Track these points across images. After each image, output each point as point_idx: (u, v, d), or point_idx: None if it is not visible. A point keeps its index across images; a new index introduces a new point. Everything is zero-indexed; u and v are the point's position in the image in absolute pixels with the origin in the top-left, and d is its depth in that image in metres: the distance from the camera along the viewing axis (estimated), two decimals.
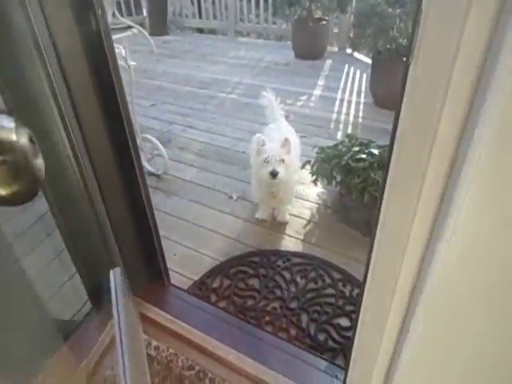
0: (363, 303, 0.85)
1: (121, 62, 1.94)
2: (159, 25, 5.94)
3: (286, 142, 1.76)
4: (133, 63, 1.99)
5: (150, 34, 5.27)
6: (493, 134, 0.44)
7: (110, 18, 4.32)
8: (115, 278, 1.08)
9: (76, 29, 0.98)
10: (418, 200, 0.59)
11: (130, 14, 6.18)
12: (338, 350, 1.42)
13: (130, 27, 4.63)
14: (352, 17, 4.05)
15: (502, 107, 0.42)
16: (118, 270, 1.12)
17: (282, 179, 1.76)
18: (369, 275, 0.79)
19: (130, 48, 2.03)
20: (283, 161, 1.76)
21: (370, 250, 0.77)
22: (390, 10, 2.71)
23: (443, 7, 0.45)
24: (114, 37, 1.88)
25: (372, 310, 0.83)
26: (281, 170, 1.74)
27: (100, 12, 0.98)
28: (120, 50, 1.91)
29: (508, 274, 0.54)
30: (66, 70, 0.99)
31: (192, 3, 6.20)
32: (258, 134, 1.82)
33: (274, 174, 1.73)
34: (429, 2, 0.46)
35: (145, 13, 6.10)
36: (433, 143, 0.53)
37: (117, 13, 4.65)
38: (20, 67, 0.89)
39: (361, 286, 0.87)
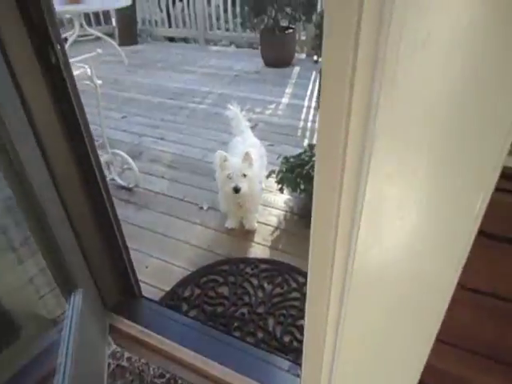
0: (307, 296, 0.94)
1: (86, 82, 1.99)
2: (129, 34, 5.95)
3: (247, 157, 1.86)
4: (99, 82, 2.04)
5: (120, 44, 5.35)
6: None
7: (77, 30, 4.30)
8: (74, 301, 1.14)
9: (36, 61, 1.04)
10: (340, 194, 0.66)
11: (98, 24, 6.18)
12: (301, 350, 1.52)
13: (98, 38, 4.60)
14: (316, 27, 4.18)
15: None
16: (79, 292, 1.18)
17: (245, 193, 1.87)
18: (309, 269, 0.87)
19: (98, 59, 2.06)
20: (245, 175, 1.86)
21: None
22: None
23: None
24: (79, 58, 1.95)
25: (315, 303, 0.91)
26: (243, 185, 1.86)
27: (58, 47, 1.04)
28: (86, 69, 1.96)
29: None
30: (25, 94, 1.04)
31: (161, 10, 6.24)
32: (219, 151, 1.93)
33: (236, 190, 1.85)
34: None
35: (114, 22, 6.10)
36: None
37: (85, 24, 4.63)
38: None
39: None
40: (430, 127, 0.48)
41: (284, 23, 4.62)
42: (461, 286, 0.60)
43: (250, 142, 2.23)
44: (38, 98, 1.07)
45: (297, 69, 4.63)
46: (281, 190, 2.18)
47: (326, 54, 0.54)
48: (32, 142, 1.10)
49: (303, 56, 5.07)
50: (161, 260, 1.98)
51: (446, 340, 0.70)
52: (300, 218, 2.23)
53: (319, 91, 0.62)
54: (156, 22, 6.31)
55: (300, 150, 2.26)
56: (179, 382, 1.35)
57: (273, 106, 3.68)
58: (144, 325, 1.51)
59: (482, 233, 0.52)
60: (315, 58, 4.76)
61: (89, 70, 1.97)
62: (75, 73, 1.46)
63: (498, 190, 0.48)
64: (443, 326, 0.65)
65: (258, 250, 2.04)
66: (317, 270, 0.82)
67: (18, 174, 1.08)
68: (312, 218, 0.77)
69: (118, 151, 2.45)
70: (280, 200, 2.36)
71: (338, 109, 0.58)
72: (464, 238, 0.50)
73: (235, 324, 1.64)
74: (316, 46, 3.90)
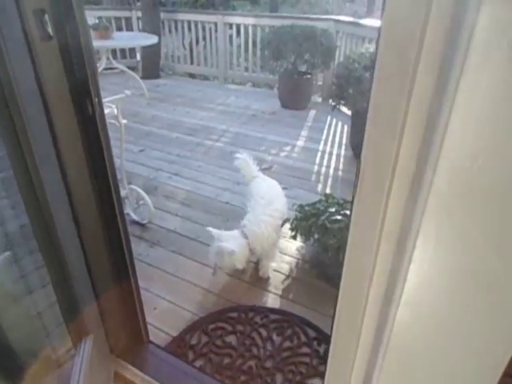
0: (329, 360, 0.90)
1: (112, 120, 2.05)
2: (152, 68, 6.18)
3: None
4: (124, 121, 2.10)
5: (143, 78, 5.55)
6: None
7: (104, 63, 4.48)
8: (84, 348, 1.12)
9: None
10: (375, 258, 0.65)
11: (124, 57, 6.44)
12: None
13: (122, 71, 4.76)
14: (333, 77, 4.30)
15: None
16: (89, 338, 1.17)
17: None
18: (334, 328, 0.85)
19: (121, 91, 2.13)
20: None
21: (335, 304, 0.83)
22: (367, 74, 2.94)
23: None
24: (109, 99, 2.01)
25: (336, 364, 0.88)
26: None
27: (96, 100, 1.08)
28: (113, 109, 2.02)
29: None
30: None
31: (184, 47, 6.51)
32: (216, 244, 1.92)
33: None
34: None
35: (138, 56, 6.36)
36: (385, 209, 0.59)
37: (111, 57, 4.82)
38: None
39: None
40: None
41: (302, 68, 4.77)
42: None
43: (270, 183, 2.29)
44: (71, 148, 1.10)
45: (313, 112, 4.73)
46: (294, 237, 2.17)
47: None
48: (60, 184, 1.12)
49: (319, 100, 5.20)
50: (170, 302, 1.96)
51: None
52: (311, 267, 2.21)
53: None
54: (179, 57, 6.56)
55: (314, 196, 2.28)
56: None
57: (288, 149, 3.74)
58: (149, 373, 1.47)
59: None
60: (332, 103, 4.87)
61: (115, 110, 2.04)
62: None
63: None
64: None
65: (269, 298, 2.00)
66: (342, 336, 0.80)
67: (40, 202, 1.08)
68: (341, 283, 0.75)
69: (134, 187, 2.48)
70: (292, 247, 2.34)
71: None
72: None
73: (242, 378, 1.59)
74: (333, 94, 3.99)
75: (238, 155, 2.36)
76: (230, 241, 1.88)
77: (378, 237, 0.61)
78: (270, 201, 2.07)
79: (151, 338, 1.67)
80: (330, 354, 0.89)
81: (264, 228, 1.96)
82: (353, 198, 0.66)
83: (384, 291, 0.66)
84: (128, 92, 2.02)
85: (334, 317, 0.84)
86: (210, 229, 1.91)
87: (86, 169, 1.19)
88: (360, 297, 0.71)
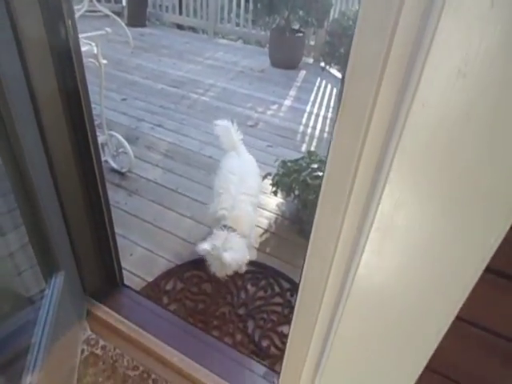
0: (296, 305, 0.93)
1: (91, 60, 1.94)
2: (138, 16, 5.85)
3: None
4: (104, 61, 2.00)
5: (128, 25, 5.26)
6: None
7: (86, 4, 4.22)
8: (54, 283, 1.11)
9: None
10: (343, 216, 0.65)
11: (108, 1, 6.06)
12: (279, 357, 1.51)
13: (106, 16, 4.52)
14: (326, 35, 4.17)
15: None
16: (60, 274, 1.15)
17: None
18: (302, 278, 0.86)
19: (105, 38, 2.00)
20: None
21: (305, 256, 0.83)
22: None
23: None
24: (87, 34, 1.90)
25: (303, 312, 0.90)
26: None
27: (70, 23, 1.01)
28: (92, 47, 1.91)
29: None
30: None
31: None
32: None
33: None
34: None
35: (124, 2, 6.00)
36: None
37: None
38: None
39: (297, 289, 0.95)
40: (451, 158, 0.47)
41: (295, 26, 4.60)
42: (456, 317, 0.60)
43: (245, 159, 2.07)
44: (42, 68, 1.03)
45: (303, 72, 4.62)
46: (275, 193, 2.16)
47: (352, 60, 0.52)
48: (30, 111, 1.06)
49: (310, 61, 5.06)
50: (146, 249, 1.95)
51: (434, 369, 0.70)
52: (291, 224, 2.22)
53: (339, 101, 0.61)
54: (167, 7, 6.22)
55: (298, 155, 2.25)
56: (152, 376, 1.33)
57: (275, 107, 3.66)
58: (122, 314, 1.48)
59: (488, 268, 0.51)
60: (322, 64, 4.75)
61: (95, 48, 1.93)
62: (81, 49, 1.42)
63: None
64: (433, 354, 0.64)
65: None
66: (310, 285, 0.81)
67: (10, 140, 1.03)
68: (312, 233, 0.75)
69: (114, 133, 2.40)
70: (272, 203, 2.34)
71: (356, 126, 0.56)
72: (471, 272, 0.49)
73: (215, 323, 1.63)
74: (325, 53, 3.88)
75: (218, 122, 2.11)
76: (226, 245, 1.60)
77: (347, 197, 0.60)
78: (242, 178, 1.86)
79: (126, 282, 1.67)
80: (298, 297, 0.91)
81: (244, 208, 1.78)
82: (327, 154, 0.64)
83: (350, 245, 0.65)
84: (109, 29, 1.91)
85: (302, 267, 0.85)
86: (202, 245, 1.59)
87: (59, 97, 1.13)
88: (329, 248, 0.71)
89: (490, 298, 0.53)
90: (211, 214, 1.82)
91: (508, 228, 0.45)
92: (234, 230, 1.67)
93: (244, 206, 1.78)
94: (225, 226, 1.68)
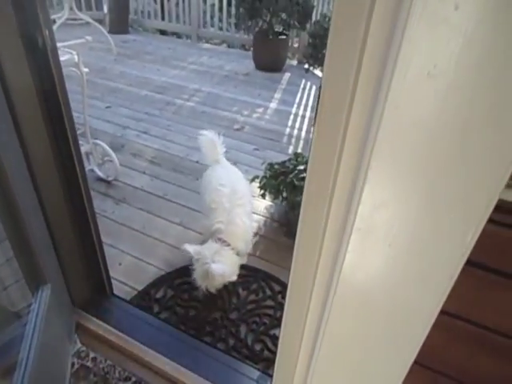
0: (285, 307, 0.93)
1: (72, 68, 1.93)
2: (120, 23, 5.83)
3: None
4: (86, 70, 1.98)
5: (110, 32, 5.24)
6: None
7: (67, 13, 4.18)
8: (41, 296, 1.09)
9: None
10: (326, 218, 0.65)
11: (89, 9, 6.02)
12: (272, 360, 1.51)
13: (88, 23, 4.48)
14: (309, 37, 4.20)
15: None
16: (47, 287, 1.13)
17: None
18: (290, 279, 0.86)
19: (86, 46, 1.98)
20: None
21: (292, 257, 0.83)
22: None
23: None
24: (67, 43, 1.88)
25: (292, 314, 0.91)
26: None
27: (47, 33, 1.00)
28: (73, 55, 1.89)
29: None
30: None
31: (155, 2, 6.14)
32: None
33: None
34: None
35: (105, 9, 5.96)
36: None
37: (75, 7, 4.51)
38: None
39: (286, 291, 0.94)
40: (425, 158, 0.47)
41: (278, 28, 4.63)
42: (442, 311, 0.60)
43: (230, 169, 2.02)
44: (18, 78, 1.01)
45: (287, 75, 4.64)
46: (263, 196, 2.17)
47: (327, 69, 0.53)
48: (9, 123, 1.04)
49: (294, 63, 5.09)
50: (135, 258, 1.93)
51: (421, 362, 0.71)
52: (280, 226, 2.22)
53: (317, 105, 0.61)
54: (149, 13, 6.20)
55: (284, 157, 2.26)
56: None
57: (260, 110, 3.67)
58: (112, 324, 1.46)
59: (469, 262, 0.52)
60: (306, 66, 4.79)
61: (76, 57, 1.91)
62: (62, 58, 1.40)
63: (490, 221, 0.48)
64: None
65: None
66: (298, 286, 0.81)
67: None
68: (297, 236, 0.76)
69: (99, 142, 2.38)
70: (261, 206, 2.34)
71: (334, 129, 0.57)
72: (452, 267, 0.50)
73: (207, 328, 1.62)
74: (308, 55, 3.91)
75: (203, 132, 2.03)
76: (216, 257, 1.56)
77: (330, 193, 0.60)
78: (233, 189, 1.78)
79: (116, 292, 1.66)
80: (287, 299, 0.91)
81: (241, 222, 1.71)
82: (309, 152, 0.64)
83: (335, 246, 0.66)
84: (89, 37, 1.89)
85: (290, 268, 0.85)
86: (187, 246, 1.56)
87: (39, 107, 1.11)
88: (314, 249, 0.71)
89: (471, 290, 0.54)
90: (207, 228, 1.75)
91: (484, 223, 0.46)
92: (228, 245, 1.62)
93: (239, 220, 1.71)
94: (219, 239, 1.63)
